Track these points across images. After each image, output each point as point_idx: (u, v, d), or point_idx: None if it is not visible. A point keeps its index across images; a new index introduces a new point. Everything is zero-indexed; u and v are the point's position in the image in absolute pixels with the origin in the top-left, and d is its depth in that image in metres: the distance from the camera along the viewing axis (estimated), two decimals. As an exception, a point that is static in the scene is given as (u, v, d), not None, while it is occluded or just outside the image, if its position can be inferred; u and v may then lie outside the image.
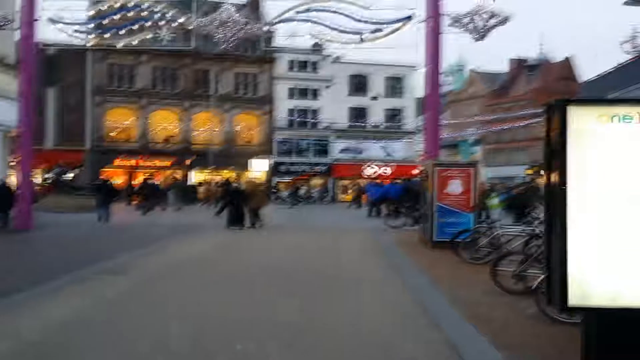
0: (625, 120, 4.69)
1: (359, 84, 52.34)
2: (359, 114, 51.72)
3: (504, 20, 15.56)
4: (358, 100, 52.03)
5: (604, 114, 4.72)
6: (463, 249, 12.49)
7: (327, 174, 50.99)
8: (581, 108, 4.81)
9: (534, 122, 62.43)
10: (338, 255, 13.95)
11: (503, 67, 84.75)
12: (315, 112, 51.42)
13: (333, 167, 51.00)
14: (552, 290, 5.11)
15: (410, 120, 53.96)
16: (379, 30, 16.22)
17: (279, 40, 16.18)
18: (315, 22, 16.29)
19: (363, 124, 51.24)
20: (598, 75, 22.26)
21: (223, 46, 16.56)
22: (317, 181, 51.44)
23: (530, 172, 70.58)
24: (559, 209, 4.83)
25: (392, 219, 22.70)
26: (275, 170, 49.19)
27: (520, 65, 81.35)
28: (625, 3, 22.28)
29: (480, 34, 15.57)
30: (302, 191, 44.98)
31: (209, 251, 14.65)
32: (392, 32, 16.21)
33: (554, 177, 4.93)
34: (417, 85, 57.37)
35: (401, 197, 26.64)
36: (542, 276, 7.62)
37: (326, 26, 16.31)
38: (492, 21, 15.39)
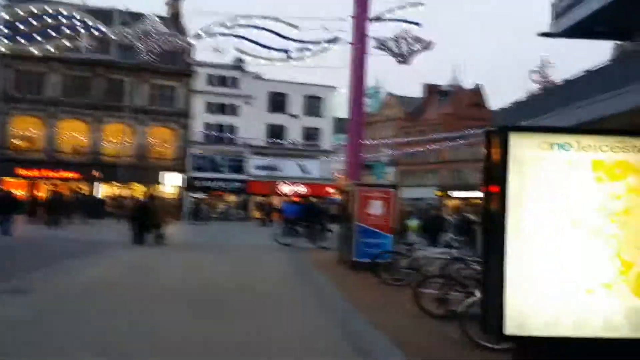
0: (564, 148, 4.73)
1: (278, 102, 52.29)
2: (277, 131, 51.59)
3: (427, 46, 15.89)
4: (276, 118, 51.93)
5: (544, 142, 4.74)
6: (383, 270, 12.46)
7: (242, 190, 50.36)
8: (522, 135, 4.81)
9: (445, 145, 64.65)
10: (253, 277, 13.36)
11: (417, 91, 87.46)
12: (233, 128, 50.82)
13: (249, 184, 50.45)
14: (488, 318, 5.04)
15: (328, 139, 54.38)
16: (307, 49, 16.16)
17: (201, 54, 15.76)
18: (242, 38, 16.02)
19: (281, 142, 51.10)
20: (512, 103, 23.22)
21: (145, 57, 15.98)
22: (231, 198, 50.76)
23: (439, 194, 72.86)
24: (497, 235, 4.78)
25: (287, 237, 22.47)
26: (189, 185, 48.04)
27: (433, 91, 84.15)
28: (540, 34, 23.34)
29: (405, 57, 15.83)
30: (203, 208, 44.04)
31: (115, 271, 13.69)
32: (320, 52, 16.18)
33: (493, 203, 4.89)
34: (335, 106, 58.19)
35: (304, 216, 26.68)
36: (467, 300, 7.66)
37: (253, 42, 16.08)
38: (417, 46, 15.67)
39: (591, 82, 19.37)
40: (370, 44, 16.21)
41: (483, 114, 79.78)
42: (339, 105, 68.93)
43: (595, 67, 19.38)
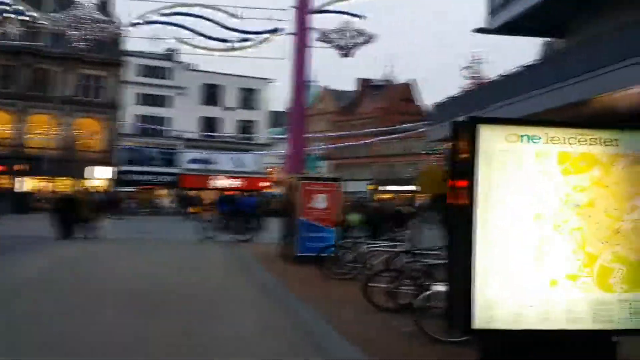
0: (533, 140, 4.71)
1: (212, 94, 51.40)
2: (210, 124, 50.70)
3: (369, 39, 15.85)
4: (210, 111, 51.06)
5: (513, 134, 4.70)
6: (328, 265, 12.33)
7: (174, 184, 49.28)
8: (491, 127, 4.75)
9: (378, 139, 65.32)
10: (195, 273, 12.87)
11: (351, 85, 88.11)
12: (164, 120, 49.62)
13: (181, 178, 49.43)
14: (454, 313, 4.98)
15: (263, 133, 53.94)
16: (248, 39, 15.81)
17: (137, 43, 15.03)
18: (180, 26, 15.49)
19: (214, 135, 50.26)
20: (448, 98, 23.57)
21: (76, 45, 15.20)
22: (163, 192, 49.62)
23: (371, 187, 73.68)
24: (465, 229, 4.71)
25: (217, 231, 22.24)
26: (119, 179, 46.57)
27: (367, 85, 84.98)
28: (475, 30, 23.73)
29: (348, 50, 15.74)
30: (130, 202, 42.83)
31: (36, 268, 12.96)
32: (261, 42, 15.87)
33: (461, 196, 4.82)
34: (270, 99, 57.79)
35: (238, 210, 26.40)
36: (424, 293, 7.61)
37: (193, 31, 15.59)
38: (360, 39, 15.60)
39: (525, 78, 19.84)
40: (313, 36, 16.04)
41: (415, 108, 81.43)
42: (274, 98, 68.74)
43: (528, 63, 19.85)
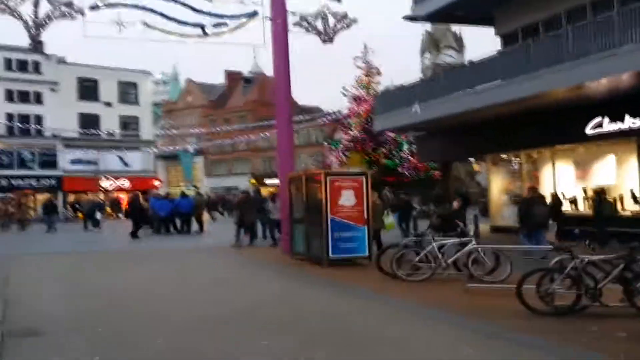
0: None
1: (89, 89, 47.64)
2: (90, 121, 46.99)
3: (350, 23, 15.36)
4: (89, 107, 47.33)
5: None
6: (394, 266, 11.08)
7: (56, 188, 45.17)
8: None
9: (257, 134, 64.60)
10: (243, 291, 10.80)
11: (217, 78, 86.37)
12: (39, 118, 45.32)
13: (64, 180, 45.49)
14: None
15: (147, 129, 51.10)
16: (224, 24, 14.63)
17: (99, 28, 13.00)
18: (148, 10, 13.97)
19: (96, 133, 46.72)
20: (393, 87, 23.61)
21: (30, 29, 13.17)
22: (42, 196, 45.37)
23: (254, 182, 72.77)
24: None
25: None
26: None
27: (236, 78, 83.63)
28: (404, 18, 23.91)
29: (330, 36, 15.13)
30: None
31: None
32: (237, 27, 14.77)
33: None
34: (151, 92, 54.79)
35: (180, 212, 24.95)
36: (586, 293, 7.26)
37: (162, 15, 14.12)
38: (342, 23, 15.06)
39: (464, 75, 20.36)
40: (291, 20, 15.21)
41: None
42: (152, 92, 65.25)
43: (475, 59, 20.27)
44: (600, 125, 16.56)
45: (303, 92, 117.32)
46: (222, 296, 10.26)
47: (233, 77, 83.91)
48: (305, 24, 15.16)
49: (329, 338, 7.08)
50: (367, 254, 13.32)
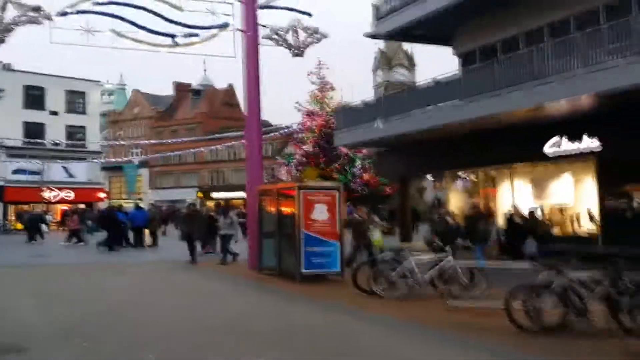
0: None
1: (35, 97, 46.09)
2: (35, 130, 45.38)
3: (321, 38, 15.38)
4: (34, 115, 45.75)
5: None
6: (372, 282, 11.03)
7: (-5, 198, 43.44)
8: None
9: (204, 146, 63.87)
10: (223, 307, 10.58)
11: (164, 89, 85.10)
12: (-21, 126, 43.50)
13: (5, 190, 43.71)
14: None
15: (95, 139, 49.75)
16: (194, 35, 14.41)
17: (67, 35, 12.51)
18: (119, 18, 13.62)
19: (41, 142, 45.13)
20: (358, 103, 23.72)
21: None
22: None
23: (201, 195, 71.79)
24: None
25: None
26: None
27: (184, 89, 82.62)
28: (365, 35, 24.17)
29: (301, 49, 15.10)
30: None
31: None
32: (208, 38, 14.57)
33: None
34: (99, 102, 53.51)
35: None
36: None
37: (132, 24, 13.80)
38: (313, 38, 15.06)
39: (418, 95, 20.82)
40: (262, 33, 15.11)
41: (238, 113, 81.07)
42: (104, 102, 63.75)
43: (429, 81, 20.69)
44: (558, 144, 17.08)
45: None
46: (203, 311, 10.05)
47: (182, 88, 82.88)
48: (276, 37, 15.10)
49: (323, 354, 7.02)
50: (339, 269, 13.27)
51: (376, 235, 13.45)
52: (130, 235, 24.97)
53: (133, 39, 13.86)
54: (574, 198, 18.14)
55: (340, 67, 57.92)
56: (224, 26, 14.57)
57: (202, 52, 14.82)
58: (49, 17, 13.12)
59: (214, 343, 7.55)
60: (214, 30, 14.48)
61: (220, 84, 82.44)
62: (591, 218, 17.29)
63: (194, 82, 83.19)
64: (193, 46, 14.47)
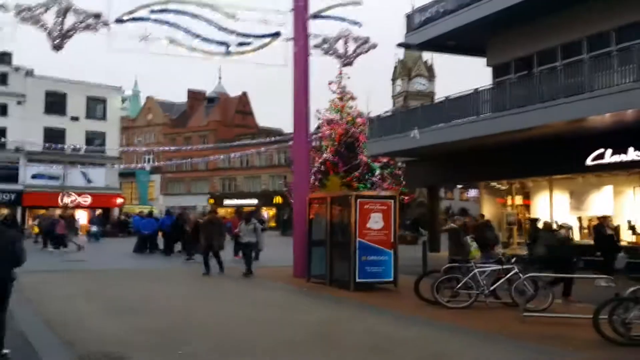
0: None
1: (56, 103, 46.33)
2: (56, 135, 45.55)
3: (371, 47, 15.47)
4: (55, 121, 45.98)
5: None
6: (438, 291, 11.05)
7: (15, 203, 43.50)
8: None
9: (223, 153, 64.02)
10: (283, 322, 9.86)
11: (178, 97, 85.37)
12: (2, 131, 43.73)
13: (24, 195, 43.87)
14: None
15: (114, 145, 49.88)
16: (247, 43, 14.51)
17: (123, 41, 12.63)
18: (174, 26, 13.72)
19: (61, 147, 45.27)
20: (389, 112, 23.83)
21: (53, 41, 12.74)
22: (3, 210, 43.65)
23: (212, 201, 71.82)
24: None
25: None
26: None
27: (198, 97, 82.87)
28: (398, 45, 24.26)
29: (351, 59, 15.20)
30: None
31: None
32: (261, 47, 14.66)
33: None
34: (120, 108, 53.56)
35: (173, 230, 24.27)
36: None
37: (187, 32, 13.89)
38: (364, 47, 15.15)
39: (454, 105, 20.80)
40: (312, 42, 15.19)
41: (251, 121, 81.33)
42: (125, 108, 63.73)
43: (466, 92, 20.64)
44: (602, 156, 17.09)
45: (263, 114, 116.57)
46: (276, 320, 9.94)
47: (195, 96, 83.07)
48: (326, 46, 15.19)
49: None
50: (392, 278, 13.28)
51: (474, 246, 13.14)
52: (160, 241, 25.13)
53: (188, 47, 13.94)
54: (615, 210, 18.16)
55: (355, 75, 57.97)
56: (275, 35, 14.68)
57: (253, 60, 14.84)
58: (107, 24, 13.23)
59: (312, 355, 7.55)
60: (266, 39, 14.59)
61: (234, 92, 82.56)
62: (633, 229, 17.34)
63: (208, 89, 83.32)
64: (245, 54, 14.55)
